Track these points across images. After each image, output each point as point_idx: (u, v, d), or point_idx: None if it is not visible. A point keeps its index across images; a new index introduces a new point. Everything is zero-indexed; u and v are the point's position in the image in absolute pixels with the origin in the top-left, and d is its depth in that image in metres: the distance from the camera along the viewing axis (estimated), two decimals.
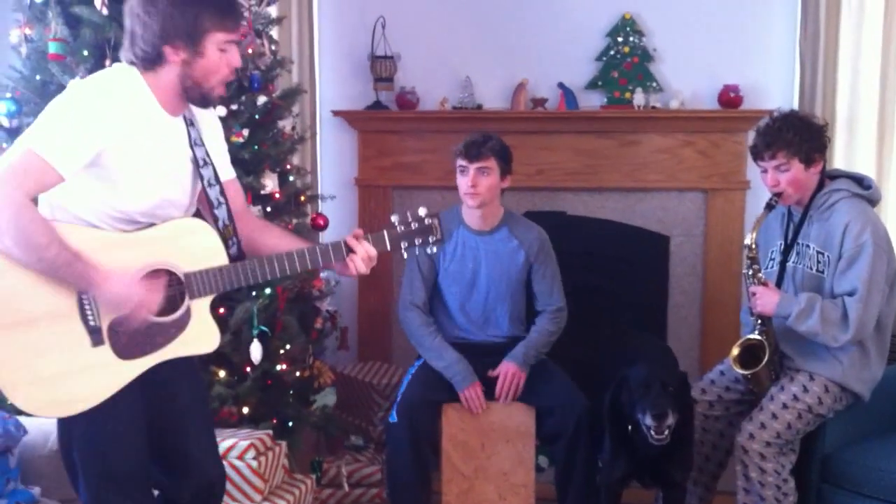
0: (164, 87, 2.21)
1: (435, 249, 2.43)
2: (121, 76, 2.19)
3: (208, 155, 2.34)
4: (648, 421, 2.98)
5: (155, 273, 2.18)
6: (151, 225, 2.22)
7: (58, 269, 2.03)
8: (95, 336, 2.10)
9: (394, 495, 3.42)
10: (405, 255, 2.41)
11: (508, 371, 3.42)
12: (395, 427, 3.34)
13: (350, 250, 2.32)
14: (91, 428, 2.17)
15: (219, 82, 2.25)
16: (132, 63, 2.21)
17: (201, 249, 2.25)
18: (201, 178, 2.31)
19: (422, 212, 2.39)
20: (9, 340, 2.00)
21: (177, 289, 2.20)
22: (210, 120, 2.43)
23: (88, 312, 2.09)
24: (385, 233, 2.36)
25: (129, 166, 2.15)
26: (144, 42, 2.16)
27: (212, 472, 2.48)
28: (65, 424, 2.22)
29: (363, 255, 2.32)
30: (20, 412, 2.84)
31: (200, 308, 2.26)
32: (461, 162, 3.42)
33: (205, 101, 2.28)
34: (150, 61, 2.18)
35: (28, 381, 2.03)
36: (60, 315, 2.07)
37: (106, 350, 2.12)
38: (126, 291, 2.09)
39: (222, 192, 2.36)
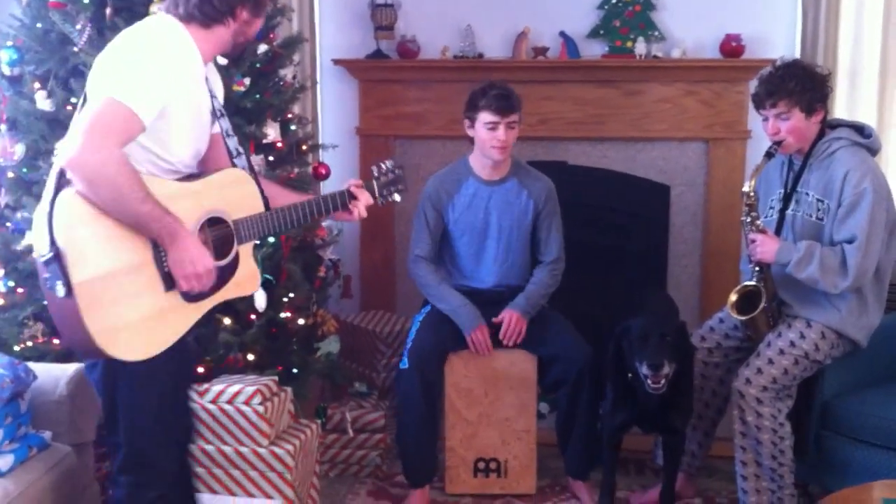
0: (213, 41, 2.33)
1: (399, 198, 2.77)
2: (174, 30, 2.27)
3: (223, 106, 2.46)
4: (645, 370, 3.03)
5: (209, 222, 2.32)
6: (192, 175, 2.34)
7: (150, 222, 2.12)
8: (167, 281, 2.20)
9: (403, 440, 3.49)
10: (380, 203, 2.73)
11: (512, 317, 3.46)
12: (405, 373, 3.39)
13: (353, 197, 2.61)
14: (136, 381, 2.26)
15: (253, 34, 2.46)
16: (188, 17, 2.28)
17: (245, 198, 2.42)
18: (221, 128, 2.44)
19: (390, 164, 2.76)
20: (99, 289, 2.05)
21: (225, 234, 2.35)
22: (214, 72, 2.52)
23: (164, 259, 2.18)
24: (374, 183, 2.71)
25: (185, 119, 2.26)
26: (220, 1, 2.28)
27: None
28: (110, 375, 2.28)
29: (365, 202, 2.63)
30: (28, 357, 2.91)
31: (246, 252, 2.43)
32: (491, 118, 3.38)
33: (241, 51, 2.57)
34: (213, 18, 2.29)
35: (119, 328, 2.10)
36: (140, 262, 2.15)
37: (175, 294, 2.22)
38: (198, 255, 2.21)
39: (240, 142, 2.49)
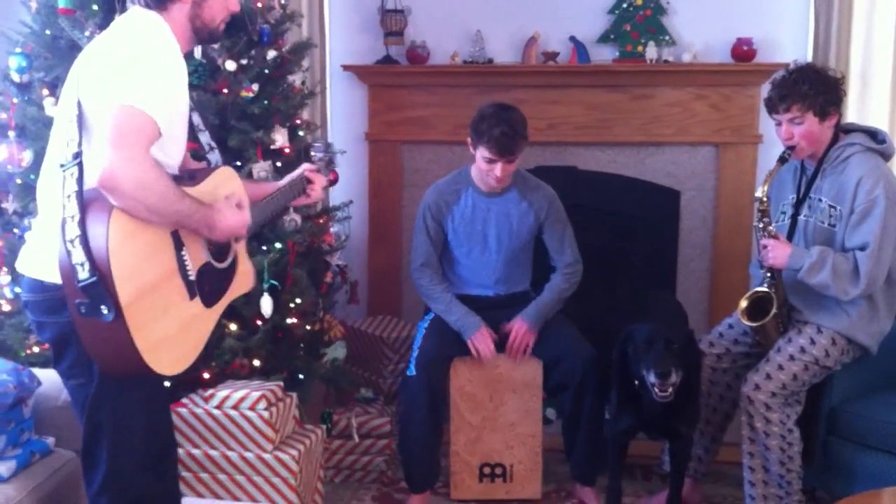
0: (177, 26, 2.23)
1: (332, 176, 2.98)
2: (160, 24, 2.19)
3: (192, 100, 2.38)
4: (652, 378, 3.00)
5: None
6: (186, 178, 2.26)
7: (190, 216, 2.09)
8: (191, 289, 2.16)
9: (406, 447, 3.48)
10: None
11: (521, 329, 3.45)
12: (412, 380, 3.38)
13: (310, 181, 2.70)
14: (126, 399, 2.19)
15: (221, 21, 2.33)
16: (145, 3, 2.21)
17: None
18: (192, 123, 2.38)
19: (321, 145, 2.94)
20: (144, 307, 2.00)
21: None
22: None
23: (187, 267, 2.15)
24: (319, 165, 2.82)
25: (178, 118, 2.20)
26: None
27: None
28: (101, 394, 2.19)
29: (320, 184, 2.72)
30: (33, 363, 2.92)
31: (242, 250, 2.42)
32: (489, 155, 3.34)
33: (212, 39, 2.39)
34: None
35: (161, 344, 2.05)
36: (169, 275, 2.10)
37: (197, 301, 2.19)
38: (237, 216, 2.22)
39: (212, 137, 2.44)
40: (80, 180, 1.98)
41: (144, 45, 2.12)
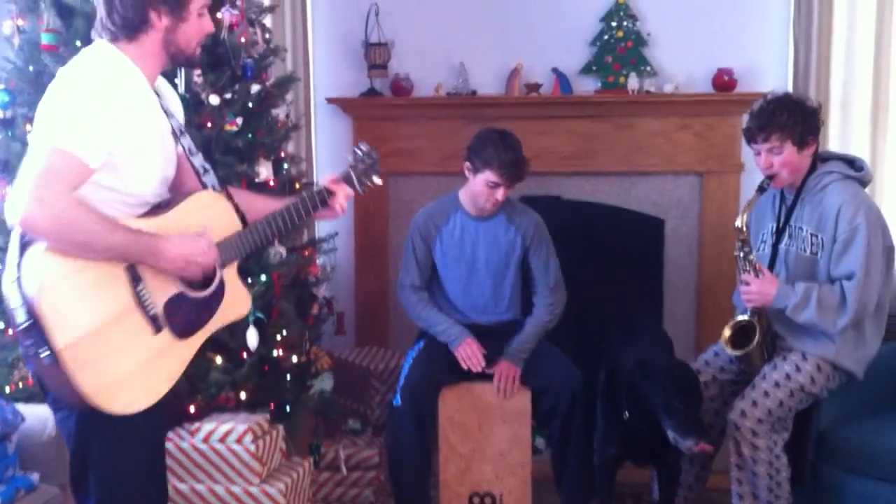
0: (147, 56, 2.19)
1: (379, 180, 2.63)
2: (109, 56, 2.15)
3: (182, 124, 2.36)
4: (691, 445, 2.93)
5: None
6: (160, 208, 2.22)
7: (127, 248, 2.03)
8: (155, 323, 2.11)
9: (396, 477, 3.46)
10: (361, 192, 2.59)
11: (502, 367, 3.46)
12: (398, 410, 3.37)
13: (331, 193, 2.49)
14: (113, 436, 2.14)
15: (197, 45, 2.28)
16: (112, 35, 2.16)
17: (219, 218, 2.30)
18: (183, 147, 2.32)
19: (365, 148, 2.63)
20: (87, 348, 1.96)
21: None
22: (168, 88, 2.40)
23: (146, 301, 2.09)
24: (351, 172, 2.57)
25: (139, 149, 2.14)
26: (125, 8, 2.13)
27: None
28: (84, 428, 2.14)
29: (344, 195, 2.52)
30: (17, 399, 2.89)
31: (231, 275, 2.34)
32: (495, 180, 3.36)
33: (190, 64, 2.37)
34: (131, 28, 2.15)
35: (114, 383, 2.01)
36: (122, 309, 2.05)
37: (165, 334, 2.13)
38: (191, 243, 2.14)
39: (206, 159, 2.38)
40: None
41: (79, 82, 2.07)
